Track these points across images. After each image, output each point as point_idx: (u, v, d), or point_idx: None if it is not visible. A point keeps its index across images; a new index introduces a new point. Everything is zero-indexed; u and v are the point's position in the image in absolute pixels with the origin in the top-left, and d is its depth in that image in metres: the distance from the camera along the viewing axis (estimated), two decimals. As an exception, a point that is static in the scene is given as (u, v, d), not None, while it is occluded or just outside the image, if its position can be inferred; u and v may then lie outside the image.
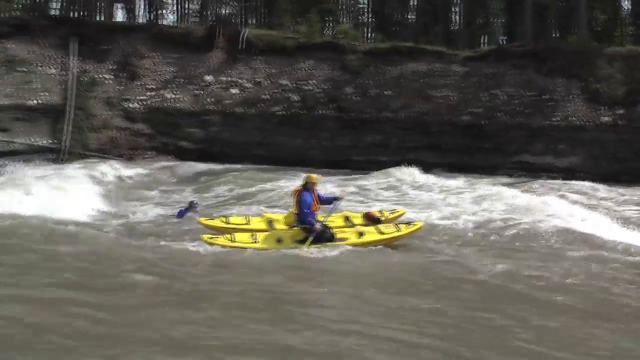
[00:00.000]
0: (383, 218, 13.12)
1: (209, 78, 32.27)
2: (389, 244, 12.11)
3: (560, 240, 12.78)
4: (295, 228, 11.87)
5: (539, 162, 28.95)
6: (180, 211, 15.03)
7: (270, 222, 12.49)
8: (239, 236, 11.48)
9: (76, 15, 40.19)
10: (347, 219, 12.89)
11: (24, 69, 31.13)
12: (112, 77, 32.23)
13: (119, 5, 43.32)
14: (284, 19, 38.97)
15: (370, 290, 9.34)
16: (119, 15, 43.25)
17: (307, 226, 11.54)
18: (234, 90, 31.87)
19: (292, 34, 35.16)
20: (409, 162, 25.88)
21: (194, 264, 10.28)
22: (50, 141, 29.06)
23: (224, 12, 44.79)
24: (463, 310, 8.36)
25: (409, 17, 49.57)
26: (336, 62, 33.14)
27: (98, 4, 40.91)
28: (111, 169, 24.75)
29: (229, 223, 12.29)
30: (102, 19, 39.11)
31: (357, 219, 12.97)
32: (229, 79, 32.37)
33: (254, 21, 45.47)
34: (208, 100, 31.57)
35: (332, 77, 32.64)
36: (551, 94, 30.69)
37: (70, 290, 8.64)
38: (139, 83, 32.01)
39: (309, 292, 9.12)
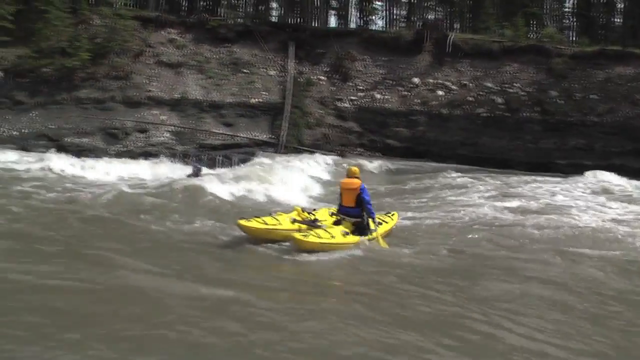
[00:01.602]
0: None
1: (416, 80, 33.39)
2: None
3: None
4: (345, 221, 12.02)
5: None
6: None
7: (293, 221, 11.82)
8: (321, 233, 11.05)
9: (294, 21, 42.79)
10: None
11: (247, 71, 34.06)
12: (325, 78, 34.32)
13: (333, 12, 45.64)
14: (489, 22, 39.31)
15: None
16: (332, 21, 45.51)
17: (358, 219, 11.86)
18: (440, 92, 32.73)
19: (498, 38, 35.62)
20: (614, 167, 25.71)
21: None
22: (269, 136, 31.15)
23: (430, 17, 45.74)
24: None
25: (615, 20, 48.16)
26: (541, 66, 33.29)
27: (314, 11, 43.30)
28: (327, 164, 26.38)
29: (266, 224, 11.29)
30: (318, 24, 41.39)
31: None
32: (436, 81, 33.30)
33: (459, 25, 46.19)
34: (415, 101, 32.55)
35: (537, 80, 32.77)
36: None
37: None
38: (350, 84, 33.75)
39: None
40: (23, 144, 28.44)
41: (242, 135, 30.89)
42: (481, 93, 32.55)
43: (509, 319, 7.78)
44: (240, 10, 45.29)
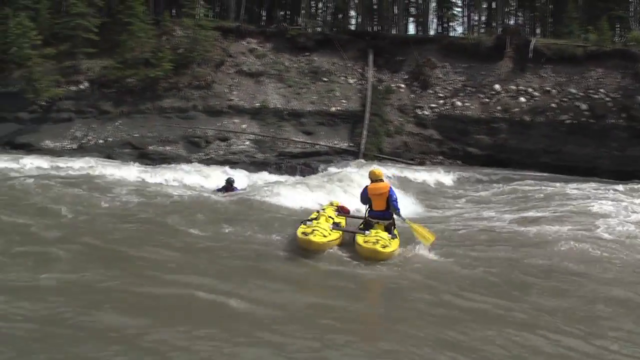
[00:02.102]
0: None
1: (497, 86, 32.90)
2: None
3: None
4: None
5: None
6: (222, 187, 17.99)
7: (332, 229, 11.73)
8: (384, 242, 10.94)
9: (373, 29, 42.90)
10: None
11: (327, 79, 34.35)
12: (405, 85, 34.20)
13: (411, 19, 45.64)
14: (573, 27, 38.49)
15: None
16: (411, 29, 45.52)
17: (390, 221, 11.82)
18: (522, 99, 32.09)
19: (581, 42, 34.81)
20: None
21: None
22: (349, 144, 31.13)
23: (511, 22, 45.17)
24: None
25: None
26: (627, 70, 32.28)
27: (393, 18, 43.31)
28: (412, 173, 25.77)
29: (325, 237, 11.11)
30: (396, 32, 41.33)
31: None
32: (517, 87, 32.71)
33: (540, 30, 45.42)
34: (496, 108, 32.03)
35: (623, 86, 31.73)
36: None
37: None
38: (430, 91, 33.55)
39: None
40: (108, 152, 29.31)
41: (321, 143, 30.99)
42: (564, 99, 31.77)
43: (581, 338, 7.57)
44: (319, 19, 45.77)
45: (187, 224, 12.52)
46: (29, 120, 32.22)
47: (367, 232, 11.40)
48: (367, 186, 12.13)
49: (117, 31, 33.95)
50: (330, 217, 12.29)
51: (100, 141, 30.57)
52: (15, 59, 33.32)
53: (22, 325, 6.96)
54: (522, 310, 8.39)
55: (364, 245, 10.84)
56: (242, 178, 22.87)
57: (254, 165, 28.30)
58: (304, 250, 10.86)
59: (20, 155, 26.47)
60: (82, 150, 29.71)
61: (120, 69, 33.04)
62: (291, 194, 16.73)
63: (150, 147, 30.04)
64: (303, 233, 10.98)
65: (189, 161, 28.38)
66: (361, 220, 12.55)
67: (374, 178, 12.14)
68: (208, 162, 28.26)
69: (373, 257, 10.60)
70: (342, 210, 13.10)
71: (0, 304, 7.46)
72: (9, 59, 33.69)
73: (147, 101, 32.40)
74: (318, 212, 12.69)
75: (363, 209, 12.65)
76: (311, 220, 11.83)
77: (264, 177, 24.91)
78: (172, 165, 26.40)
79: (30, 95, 31.58)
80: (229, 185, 17.95)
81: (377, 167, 12.62)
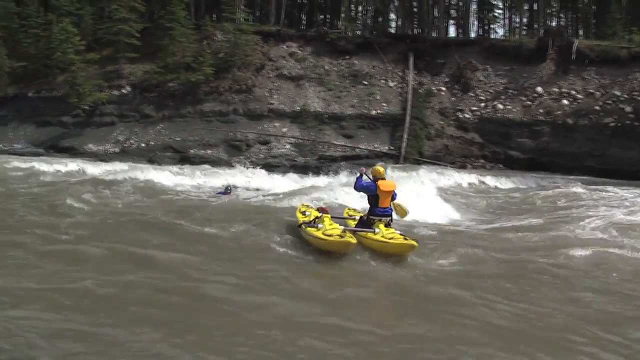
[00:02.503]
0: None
1: (539, 89, 32.42)
2: None
3: None
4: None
5: None
6: (220, 192, 19.07)
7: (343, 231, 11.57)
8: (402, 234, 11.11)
9: (413, 32, 42.75)
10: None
11: (367, 82, 34.30)
12: (446, 88, 33.97)
13: (452, 22, 45.37)
14: (616, 28, 37.85)
15: None
16: (451, 31, 45.24)
17: (391, 217, 11.89)
18: (564, 101, 31.55)
19: (625, 43, 34.21)
20: None
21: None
22: (389, 147, 31.02)
23: (553, 24, 44.61)
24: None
25: None
26: (676, 72, 31.65)
27: (433, 21, 43.13)
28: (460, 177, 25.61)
29: (351, 237, 11.05)
30: (437, 34, 41.08)
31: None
32: (560, 89, 32.16)
33: (583, 32, 44.77)
34: (539, 111, 31.53)
35: (670, 88, 31.14)
36: None
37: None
38: (471, 94, 33.24)
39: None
40: (150, 156, 29.75)
41: (362, 146, 30.99)
42: (608, 102, 31.13)
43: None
44: (359, 22, 45.75)
45: (192, 225, 12.78)
46: (72, 124, 32.88)
47: (376, 230, 11.40)
48: (375, 182, 11.90)
49: (159, 36, 34.44)
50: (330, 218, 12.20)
51: (142, 145, 31.02)
52: (59, 64, 34.10)
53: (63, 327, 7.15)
54: (552, 318, 8.25)
55: (392, 242, 10.82)
56: (261, 178, 24.47)
57: (294, 169, 28.44)
58: (332, 252, 10.81)
59: (45, 158, 27.44)
60: (124, 154, 30.21)
61: (161, 73, 33.51)
62: (288, 196, 17.20)
63: (191, 151, 30.41)
64: (334, 235, 10.84)
65: (230, 165, 28.67)
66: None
67: (380, 176, 11.99)
68: (248, 165, 28.48)
69: (405, 252, 10.69)
70: (323, 211, 12.85)
71: (33, 309, 7.67)
72: (53, 64, 34.49)
73: (188, 105, 32.82)
74: (303, 213, 12.76)
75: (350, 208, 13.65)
76: (316, 222, 11.73)
77: (273, 179, 25.13)
78: (184, 167, 26.73)
79: (73, 100, 32.18)
80: (228, 192, 18.94)
81: (380, 166, 12.37)
